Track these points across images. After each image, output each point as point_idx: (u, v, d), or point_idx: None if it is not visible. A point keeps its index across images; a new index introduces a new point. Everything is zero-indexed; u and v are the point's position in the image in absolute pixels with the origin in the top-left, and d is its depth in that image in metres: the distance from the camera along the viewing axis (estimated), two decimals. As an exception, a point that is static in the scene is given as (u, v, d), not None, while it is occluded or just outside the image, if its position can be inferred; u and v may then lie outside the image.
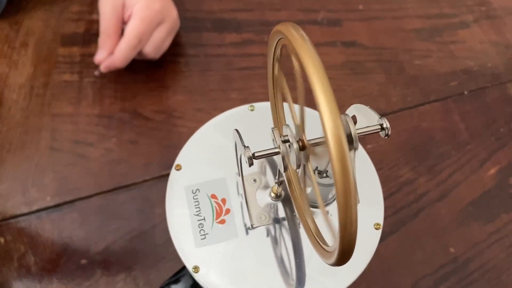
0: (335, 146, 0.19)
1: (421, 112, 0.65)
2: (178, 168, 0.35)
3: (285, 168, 0.26)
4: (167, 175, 0.61)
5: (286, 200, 0.35)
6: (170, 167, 0.60)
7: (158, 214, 0.57)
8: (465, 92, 0.67)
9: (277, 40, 0.26)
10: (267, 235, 0.34)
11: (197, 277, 0.32)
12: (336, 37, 0.69)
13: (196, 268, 0.32)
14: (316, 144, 0.26)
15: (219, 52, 0.66)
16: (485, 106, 0.67)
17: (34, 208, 0.57)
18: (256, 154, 0.26)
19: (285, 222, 0.34)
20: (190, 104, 0.63)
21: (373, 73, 0.67)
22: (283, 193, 0.34)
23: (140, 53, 0.60)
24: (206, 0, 0.70)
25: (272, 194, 0.34)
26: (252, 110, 0.37)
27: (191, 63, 0.65)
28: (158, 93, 0.63)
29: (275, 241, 0.33)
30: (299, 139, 0.25)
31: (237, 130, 0.28)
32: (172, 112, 0.62)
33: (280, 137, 0.26)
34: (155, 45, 0.59)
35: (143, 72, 0.64)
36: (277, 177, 0.32)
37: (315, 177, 0.28)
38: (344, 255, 0.23)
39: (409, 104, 0.65)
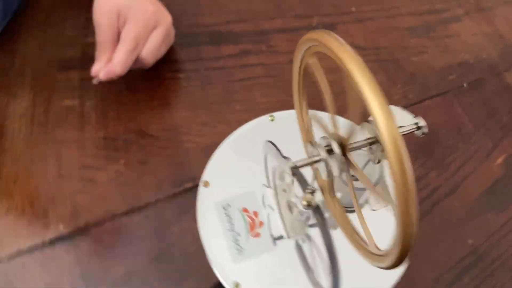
0: (393, 148, 0.19)
1: (423, 108, 0.66)
2: (206, 185, 0.35)
3: (329, 175, 0.26)
4: (180, 193, 0.62)
5: (317, 208, 0.35)
6: (182, 184, 0.61)
7: (175, 232, 0.56)
8: (464, 85, 0.68)
9: (306, 48, 0.26)
10: (303, 244, 0.34)
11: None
12: (333, 41, 0.69)
13: (237, 285, 0.32)
14: (355, 149, 0.26)
15: (218, 65, 0.66)
16: (485, 96, 0.68)
17: (48, 238, 0.56)
18: (298, 164, 0.26)
19: (317, 230, 0.34)
20: (194, 119, 0.63)
21: (373, 73, 0.68)
22: (315, 201, 0.34)
23: (136, 60, 0.59)
24: (200, 14, 0.70)
25: (304, 203, 0.34)
26: (272, 120, 0.37)
27: (191, 78, 0.65)
28: (161, 110, 0.63)
29: (311, 250, 0.33)
30: (340, 143, 0.25)
31: (271, 142, 0.28)
32: (178, 128, 0.62)
33: (322, 144, 0.26)
34: (152, 49, 0.59)
35: (144, 91, 0.64)
36: (309, 187, 0.32)
37: (352, 181, 0.28)
38: (402, 257, 0.23)
39: (411, 101, 0.66)
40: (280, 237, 0.33)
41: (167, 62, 0.65)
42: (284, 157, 0.26)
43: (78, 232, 0.56)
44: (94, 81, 0.59)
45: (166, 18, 0.61)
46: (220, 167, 0.36)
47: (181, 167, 0.60)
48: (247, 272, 0.32)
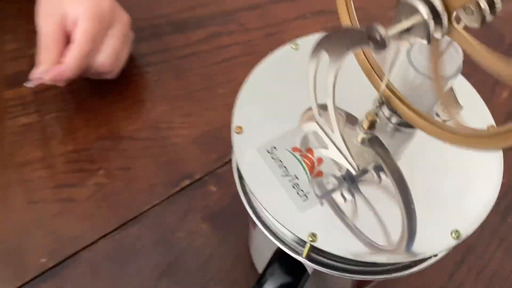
0: None
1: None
2: (239, 130, 0.28)
3: (429, 41, 0.20)
4: (177, 193, 0.54)
5: (381, 131, 0.29)
6: (178, 184, 0.53)
7: (181, 237, 0.48)
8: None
9: None
10: (374, 175, 0.28)
11: (318, 245, 0.25)
12: (303, 10, 0.65)
13: (313, 236, 0.25)
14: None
15: (189, 52, 0.60)
16: None
17: (27, 278, 0.46)
18: (391, 33, 0.20)
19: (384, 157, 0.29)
20: (175, 111, 0.55)
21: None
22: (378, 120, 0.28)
23: (95, 66, 0.51)
24: (157, 6, 0.63)
25: (365, 125, 0.29)
26: (296, 48, 0.32)
27: (162, 70, 0.58)
28: (136, 109, 0.55)
29: (383, 181, 0.27)
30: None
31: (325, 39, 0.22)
32: (158, 125, 0.54)
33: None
34: (110, 51, 0.51)
35: (112, 92, 0.56)
36: (378, 97, 0.26)
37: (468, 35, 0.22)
38: None
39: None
40: (348, 172, 0.27)
41: (131, 58, 0.58)
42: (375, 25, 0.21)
43: (66, 262, 0.47)
44: (28, 84, 0.49)
45: (123, 17, 0.53)
46: (250, 108, 0.29)
47: (172, 166, 0.53)
48: (320, 219, 0.25)
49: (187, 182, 0.51)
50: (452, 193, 0.28)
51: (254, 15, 0.65)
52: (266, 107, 0.30)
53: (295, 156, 0.28)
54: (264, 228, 0.30)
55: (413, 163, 0.29)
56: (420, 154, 0.29)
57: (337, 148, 0.28)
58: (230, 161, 0.54)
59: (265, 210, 0.26)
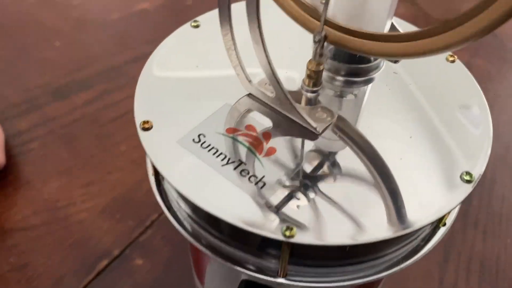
0: None
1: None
2: (147, 126, 0.20)
3: None
4: (95, 278, 0.42)
5: (328, 80, 0.23)
6: (93, 267, 0.42)
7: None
8: None
9: None
10: (337, 133, 0.21)
11: (299, 239, 0.17)
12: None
13: (290, 230, 0.17)
14: None
15: (77, 117, 0.51)
16: None
17: None
18: None
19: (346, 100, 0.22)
20: (72, 184, 0.45)
21: None
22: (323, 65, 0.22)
23: None
24: (31, 77, 0.55)
25: (308, 81, 0.22)
26: (196, 26, 0.25)
27: (48, 143, 0.48)
28: (22, 192, 0.44)
29: (348, 138, 0.21)
30: None
31: None
32: (54, 204, 0.44)
33: None
34: None
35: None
36: (316, 32, 0.20)
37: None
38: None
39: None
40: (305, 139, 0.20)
41: (10, 138, 0.48)
42: None
43: None
44: None
45: None
46: (156, 98, 0.22)
47: (82, 247, 0.42)
48: (291, 206, 0.18)
49: (104, 262, 0.40)
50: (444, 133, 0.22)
51: (143, 65, 0.59)
52: (177, 93, 0.22)
53: (234, 138, 0.20)
54: (220, 257, 0.21)
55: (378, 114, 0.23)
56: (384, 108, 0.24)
57: (284, 113, 0.22)
58: (152, 223, 0.44)
59: (213, 214, 0.18)
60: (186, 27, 0.26)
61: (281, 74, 0.21)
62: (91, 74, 0.57)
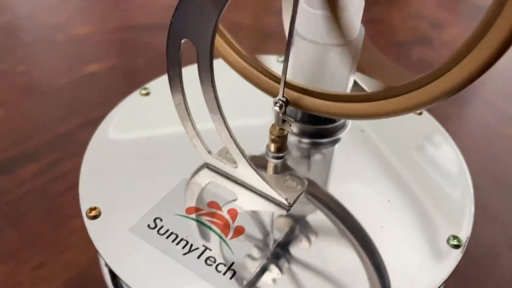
0: None
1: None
2: (95, 213, 0.18)
3: None
4: None
5: (294, 143, 0.22)
6: None
7: None
8: None
9: None
10: (309, 202, 0.19)
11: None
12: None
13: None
14: None
15: (22, 192, 0.47)
16: None
17: None
18: None
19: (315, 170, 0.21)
20: (20, 268, 0.41)
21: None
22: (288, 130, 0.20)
23: None
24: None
25: (273, 147, 0.20)
26: (147, 94, 0.23)
27: (-9, 223, 0.44)
28: (-38, 285, 0.40)
29: (323, 205, 0.19)
30: None
31: None
32: (1, 294, 0.39)
33: None
34: None
35: None
36: (277, 98, 0.19)
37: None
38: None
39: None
40: (276, 214, 0.18)
41: None
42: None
43: None
44: None
45: None
46: (104, 181, 0.20)
47: None
48: None
49: None
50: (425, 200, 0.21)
51: (94, 130, 0.57)
52: (128, 171, 0.20)
53: (196, 220, 0.18)
54: None
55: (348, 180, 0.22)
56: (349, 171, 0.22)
57: (250, 184, 0.20)
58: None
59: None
60: (136, 95, 0.24)
61: (243, 141, 0.19)
62: (39, 144, 0.53)
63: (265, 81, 0.21)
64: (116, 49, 0.65)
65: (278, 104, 0.19)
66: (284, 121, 0.20)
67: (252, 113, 0.25)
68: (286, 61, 0.18)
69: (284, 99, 0.19)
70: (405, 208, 0.20)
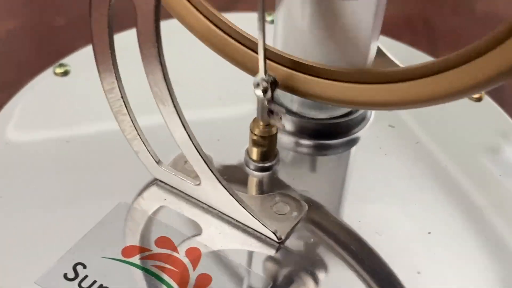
0: None
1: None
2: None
3: None
4: None
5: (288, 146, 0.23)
6: None
7: None
8: None
9: None
10: (311, 237, 0.20)
11: None
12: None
13: None
14: None
15: None
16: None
17: None
18: None
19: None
20: None
21: None
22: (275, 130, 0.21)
23: None
24: None
25: (254, 154, 0.21)
26: (64, 73, 0.24)
27: None
28: None
29: (335, 243, 0.20)
30: None
31: None
32: None
33: None
34: None
35: None
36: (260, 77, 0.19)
37: None
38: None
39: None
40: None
41: None
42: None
43: None
44: None
45: None
46: (3, 200, 0.20)
47: None
48: None
49: None
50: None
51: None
52: (33, 195, 0.21)
53: (138, 266, 0.19)
54: None
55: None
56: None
57: (218, 209, 0.21)
58: None
59: None
60: (49, 74, 0.25)
61: (209, 144, 0.20)
62: None
63: (243, 52, 0.22)
64: (24, 1, 0.65)
65: (260, 87, 0.20)
66: (271, 112, 0.20)
67: (224, 101, 0.26)
68: (261, 15, 0.19)
69: (269, 79, 0.20)
70: (453, 244, 0.21)
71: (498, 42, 0.16)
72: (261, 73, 0.20)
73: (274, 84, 0.20)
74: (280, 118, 0.22)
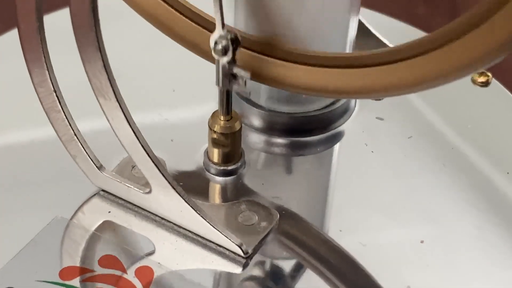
0: None
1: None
2: None
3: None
4: None
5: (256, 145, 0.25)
6: None
7: None
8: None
9: None
10: (283, 250, 0.22)
11: None
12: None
13: None
14: None
15: None
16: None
17: None
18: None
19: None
20: None
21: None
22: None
23: None
24: None
25: (216, 153, 0.23)
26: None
27: None
28: None
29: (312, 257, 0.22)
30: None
31: None
32: None
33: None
34: None
35: None
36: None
37: None
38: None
39: None
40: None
41: None
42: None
43: None
44: None
45: None
46: None
47: None
48: None
49: None
50: None
51: None
52: None
53: None
54: None
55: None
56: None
57: (173, 221, 0.23)
58: None
59: None
60: None
61: (162, 144, 0.22)
62: None
63: (197, 31, 0.24)
64: None
65: (219, 46, 0.21)
66: (233, 77, 0.22)
67: (177, 94, 0.27)
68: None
69: (229, 35, 0.21)
70: (448, 255, 0.23)
71: (497, 8, 0.18)
72: (218, 29, 0.21)
73: (235, 41, 0.21)
74: (245, 82, 0.23)
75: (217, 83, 0.22)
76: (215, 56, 0.21)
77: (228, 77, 0.22)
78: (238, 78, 0.22)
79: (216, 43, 0.21)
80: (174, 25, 0.24)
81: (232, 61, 0.21)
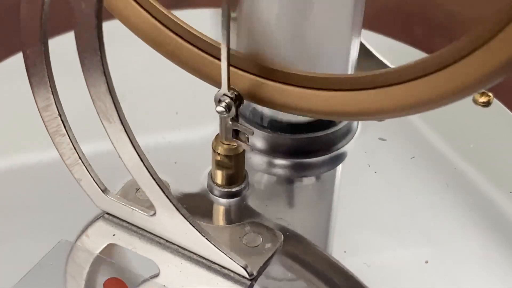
0: None
1: None
2: None
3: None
4: None
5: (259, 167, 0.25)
6: None
7: None
8: None
9: None
10: (287, 272, 0.22)
11: None
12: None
13: None
14: None
15: None
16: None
17: None
18: None
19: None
20: None
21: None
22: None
23: None
24: None
25: (219, 178, 0.23)
26: None
27: None
28: None
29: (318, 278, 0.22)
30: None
31: None
32: None
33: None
34: None
35: None
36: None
37: None
38: None
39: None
40: None
41: None
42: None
43: None
44: None
45: None
46: None
47: None
48: None
49: None
50: None
51: None
52: None
53: None
54: None
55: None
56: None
57: (178, 243, 0.23)
58: None
59: None
60: None
61: (166, 167, 0.22)
62: None
63: (199, 57, 0.24)
64: None
65: (222, 104, 0.22)
66: (236, 132, 0.22)
67: (181, 116, 0.27)
68: (226, 19, 0.21)
69: (232, 95, 0.22)
70: (454, 275, 0.23)
71: (497, 30, 0.18)
72: (223, 88, 0.21)
73: (238, 99, 0.22)
74: (247, 138, 0.23)
75: (221, 136, 0.22)
76: (218, 112, 0.21)
77: (231, 132, 0.22)
78: (241, 133, 0.22)
79: (219, 101, 0.21)
80: (176, 51, 0.24)
81: (235, 118, 0.22)
